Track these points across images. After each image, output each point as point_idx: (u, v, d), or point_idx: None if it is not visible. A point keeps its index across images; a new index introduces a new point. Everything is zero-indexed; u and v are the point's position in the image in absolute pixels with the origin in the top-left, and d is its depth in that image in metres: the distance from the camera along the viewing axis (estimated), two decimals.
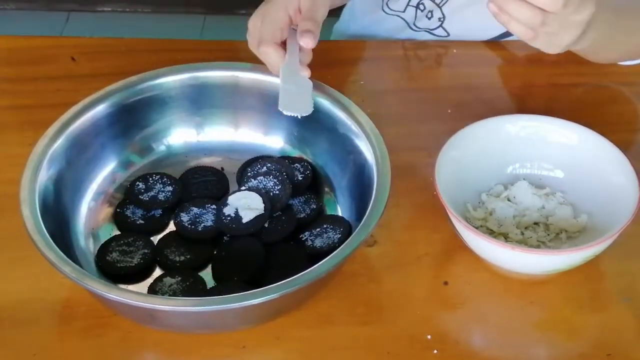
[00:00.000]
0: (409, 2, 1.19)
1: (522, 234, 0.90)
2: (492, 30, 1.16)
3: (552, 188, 0.94)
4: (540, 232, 0.90)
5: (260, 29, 0.93)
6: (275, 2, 0.94)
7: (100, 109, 0.92)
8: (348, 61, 1.16)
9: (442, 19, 1.18)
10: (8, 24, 2.48)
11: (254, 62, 0.96)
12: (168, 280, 0.84)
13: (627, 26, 0.99)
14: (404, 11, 1.20)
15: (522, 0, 0.83)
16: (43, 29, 2.44)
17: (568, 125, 0.94)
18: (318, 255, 0.81)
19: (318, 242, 0.87)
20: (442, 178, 0.86)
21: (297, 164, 0.94)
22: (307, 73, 0.93)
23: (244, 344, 0.82)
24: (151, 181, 0.93)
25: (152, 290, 0.84)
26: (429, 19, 1.19)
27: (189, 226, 0.89)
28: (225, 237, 0.88)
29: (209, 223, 0.89)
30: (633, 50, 1.08)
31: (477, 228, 0.86)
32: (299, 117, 0.90)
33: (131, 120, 0.95)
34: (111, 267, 0.86)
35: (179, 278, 0.85)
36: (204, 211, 0.90)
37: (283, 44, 0.93)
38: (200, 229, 0.89)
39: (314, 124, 0.94)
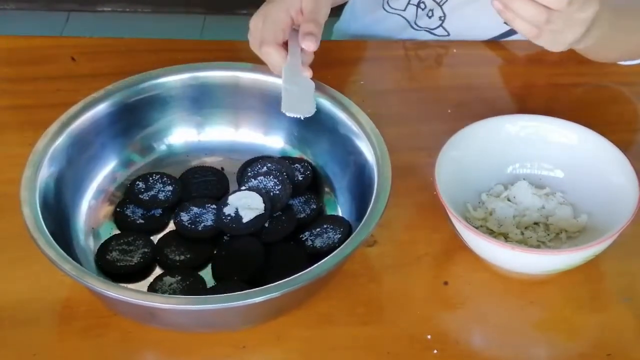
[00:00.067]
0: (409, 1, 1.19)
1: (522, 234, 0.90)
2: (493, 29, 1.16)
3: (552, 188, 0.94)
4: (540, 232, 0.90)
5: (261, 29, 0.93)
6: (277, 3, 0.94)
7: (101, 108, 0.92)
8: (348, 61, 1.17)
9: (442, 18, 1.18)
10: (8, 24, 2.48)
11: (255, 62, 0.96)
12: (168, 279, 0.84)
13: (628, 26, 1.00)
14: (404, 10, 1.20)
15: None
16: (43, 29, 2.44)
17: (568, 125, 0.94)
18: (318, 255, 0.81)
19: (318, 242, 0.87)
20: (442, 178, 0.86)
21: (297, 164, 0.94)
22: (309, 74, 0.93)
23: (244, 344, 0.82)
24: (151, 181, 0.93)
25: (152, 289, 0.84)
26: (430, 17, 1.19)
27: (189, 226, 0.89)
28: (225, 237, 0.88)
29: (209, 223, 0.89)
30: (633, 50, 1.08)
31: (477, 228, 0.86)
32: (302, 119, 0.90)
33: (132, 119, 0.95)
34: (111, 266, 0.86)
35: (179, 277, 0.85)
36: (204, 211, 0.90)
37: (285, 45, 0.93)
38: (200, 229, 0.89)
39: (314, 124, 0.94)
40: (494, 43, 1.17)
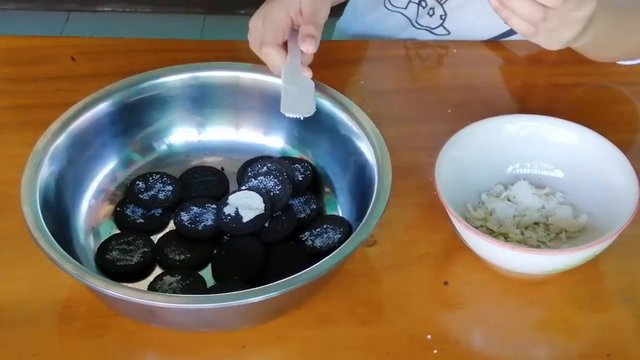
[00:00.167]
0: None
1: (522, 234, 0.90)
2: (493, 29, 1.16)
3: (552, 188, 0.94)
4: (540, 232, 0.90)
5: (261, 30, 0.93)
6: (277, 3, 0.94)
7: (102, 107, 0.92)
8: (349, 61, 1.17)
9: (443, 17, 1.18)
10: (8, 24, 2.48)
11: (255, 62, 0.96)
12: (168, 279, 0.84)
13: (628, 24, 1.00)
14: (405, 8, 1.20)
15: None
16: (43, 29, 2.44)
17: (568, 125, 0.94)
18: (318, 255, 0.81)
19: (318, 242, 0.87)
20: (442, 178, 0.86)
21: (297, 164, 0.94)
22: (308, 74, 0.93)
23: (244, 344, 0.82)
24: (151, 180, 0.93)
25: (152, 288, 0.84)
26: (431, 16, 1.19)
27: (189, 225, 0.89)
28: (225, 237, 0.89)
29: (209, 222, 0.89)
30: (633, 49, 1.08)
31: (477, 228, 0.86)
32: (301, 119, 0.90)
33: (132, 119, 0.95)
34: (111, 265, 0.86)
35: (179, 277, 0.85)
36: (204, 210, 0.90)
37: (284, 45, 0.93)
38: (200, 228, 0.89)
39: (314, 125, 0.94)
40: (494, 43, 1.17)
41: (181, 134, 0.98)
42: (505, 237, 0.90)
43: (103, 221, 0.91)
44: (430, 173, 0.87)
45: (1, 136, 1.04)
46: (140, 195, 0.91)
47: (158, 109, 0.96)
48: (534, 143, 0.95)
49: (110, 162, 0.94)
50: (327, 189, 0.95)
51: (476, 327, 0.86)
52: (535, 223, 0.91)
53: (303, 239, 0.88)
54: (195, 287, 0.84)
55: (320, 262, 0.77)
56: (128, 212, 0.91)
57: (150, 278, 0.86)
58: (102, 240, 0.89)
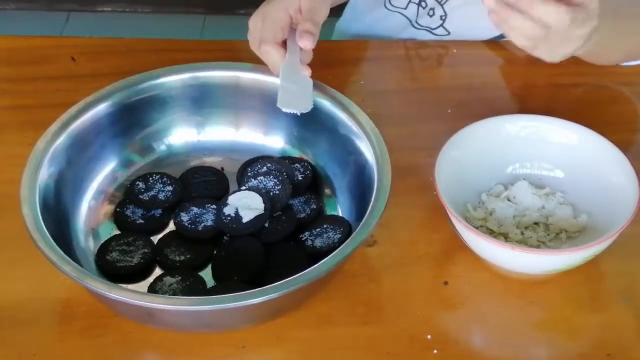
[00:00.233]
0: None
1: (522, 234, 0.90)
2: (493, 29, 1.16)
3: (552, 188, 0.94)
4: (540, 232, 0.90)
5: (261, 29, 0.93)
6: (276, 2, 0.94)
7: (101, 108, 0.92)
8: (348, 61, 1.17)
9: (443, 17, 1.18)
10: (8, 24, 2.48)
11: (255, 62, 0.96)
12: (168, 279, 0.84)
13: (629, 28, 0.99)
14: (405, 8, 1.20)
15: (526, 15, 0.83)
16: (43, 29, 2.44)
17: (568, 125, 0.94)
18: (318, 255, 0.81)
19: (318, 242, 0.87)
20: (442, 178, 0.86)
21: (297, 164, 0.94)
22: (307, 72, 0.93)
23: (243, 344, 0.82)
24: (151, 181, 0.93)
25: (152, 289, 0.84)
26: (431, 16, 1.19)
27: (189, 226, 0.89)
28: (225, 237, 0.88)
29: (209, 223, 0.89)
30: (634, 51, 1.08)
31: (477, 228, 0.86)
32: (299, 114, 0.90)
33: (132, 119, 0.95)
34: (111, 266, 0.86)
35: (179, 278, 0.85)
36: (204, 211, 0.90)
37: (284, 44, 0.93)
38: (200, 229, 0.89)
39: (314, 124, 0.94)
40: (494, 43, 1.17)
41: (181, 134, 0.98)
42: (505, 237, 0.90)
43: (103, 222, 0.91)
44: (430, 173, 0.87)
45: (1, 136, 1.04)
46: (140, 196, 0.91)
47: (158, 110, 0.96)
48: (534, 143, 0.95)
49: (109, 163, 0.94)
50: (327, 189, 0.95)
51: (476, 327, 0.86)
52: (535, 223, 0.91)
53: (303, 239, 0.88)
54: (196, 288, 0.84)
55: (320, 262, 0.77)
56: (128, 212, 0.91)
57: (151, 279, 0.85)
58: (102, 241, 0.89)
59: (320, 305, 0.85)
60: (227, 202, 0.89)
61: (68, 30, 2.49)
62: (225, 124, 0.99)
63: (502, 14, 0.85)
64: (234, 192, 0.90)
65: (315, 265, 0.77)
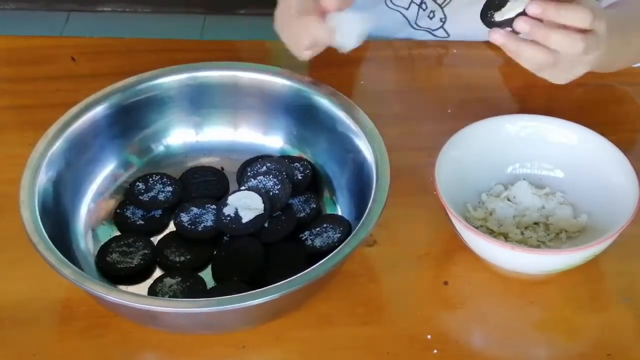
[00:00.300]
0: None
1: (522, 234, 0.90)
2: None
3: (552, 188, 0.94)
4: (540, 232, 0.90)
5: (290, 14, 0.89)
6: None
7: (99, 110, 0.92)
8: (348, 61, 1.16)
9: (443, 19, 1.18)
10: (8, 24, 2.48)
11: (254, 62, 0.96)
12: (168, 280, 0.84)
13: (634, 36, 0.99)
14: (407, 8, 1.20)
15: (537, 44, 0.84)
16: (43, 29, 2.44)
17: (568, 125, 0.94)
18: (318, 254, 0.81)
19: (318, 242, 0.87)
20: (442, 178, 0.86)
21: (296, 164, 0.94)
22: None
23: (244, 344, 0.82)
24: (151, 181, 0.93)
25: (152, 291, 0.84)
26: (431, 19, 1.19)
27: (189, 226, 0.89)
28: (225, 237, 0.88)
29: (209, 223, 0.89)
30: (638, 57, 1.08)
31: (477, 228, 0.86)
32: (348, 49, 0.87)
33: (130, 121, 0.95)
34: (111, 268, 0.86)
35: (179, 279, 0.84)
36: (204, 211, 0.90)
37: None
38: (200, 229, 0.89)
39: (313, 124, 0.94)
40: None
41: (179, 135, 0.98)
42: (505, 237, 0.90)
43: (103, 223, 0.91)
44: (430, 173, 0.87)
45: (1, 136, 1.04)
46: (140, 197, 0.91)
47: (156, 110, 0.96)
48: (534, 143, 0.95)
49: (108, 165, 0.94)
50: (326, 188, 0.95)
51: (476, 327, 0.86)
52: (535, 223, 0.91)
53: (303, 239, 0.88)
54: (196, 288, 0.84)
55: (319, 263, 0.77)
56: (128, 213, 0.91)
57: (151, 280, 0.85)
58: (102, 243, 0.88)
59: (320, 305, 0.85)
60: (227, 202, 0.89)
61: (68, 30, 2.48)
62: (224, 123, 0.99)
63: (512, 47, 0.85)
64: (234, 192, 0.90)
65: (315, 266, 0.77)
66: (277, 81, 0.93)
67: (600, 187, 0.90)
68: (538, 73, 0.88)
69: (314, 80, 0.93)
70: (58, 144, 0.88)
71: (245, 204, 0.88)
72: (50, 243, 0.78)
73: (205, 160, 0.98)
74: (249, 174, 0.92)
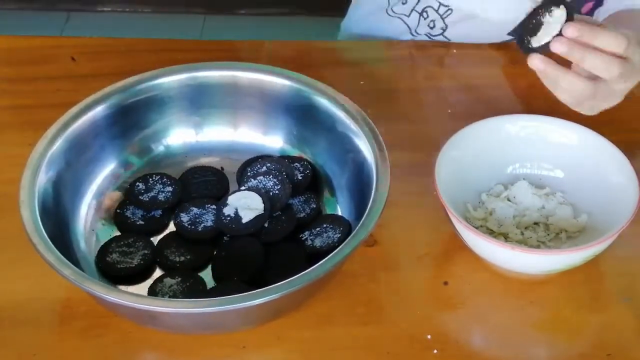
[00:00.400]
0: (414, 7, 1.19)
1: (522, 234, 0.90)
2: (494, 40, 1.16)
3: (552, 188, 0.94)
4: (540, 232, 0.90)
5: None
6: None
7: (99, 110, 0.92)
8: (349, 61, 1.17)
9: (444, 29, 1.19)
10: (8, 24, 2.48)
11: (254, 62, 0.96)
12: (168, 281, 0.84)
13: None
14: (408, 16, 1.20)
15: (577, 73, 0.84)
16: (43, 29, 2.44)
17: (568, 125, 0.94)
18: (318, 254, 0.81)
19: (318, 242, 0.87)
20: (442, 178, 0.86)
21: (296, 164, 0.94)
22: None
23: (244, 344, 0.82)
24: (151, 181, 0.93)
25: (152, 291, 0.84)
26: (431, 28, 1.19)
27: (189, 226, 0.89)
28: (225, 237, 0.88)
29: (209, 223, 0.89)
30: None
31: (477, 228, 0.86)
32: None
33: (130, 121, 0.95)
34: (111, 268, 0.86)
35: (179, 279, 0.84)
36: (204, 211, 0.90)
37: None
38: (200, 229, 0.89)
39: (313, 124, 0.94)
40: (494, 43, 1.17)
41: (179, 135, 0.98)
42: (505, 237, 0.90)
43: (103, 223, 0.91)
44: (430, 173, 0.87)
45: (1, 136, 1.04)
46: (140, 197, 0.91)
47: (156, 110, 0.96)
48: (534, 143, 0.95)
49: (108, 165, 0.94)
50: (326, 188, 0.95)
51: (476, 327, 0.86)
52: (535, 223, 0.91)
53: (303, 239, 0.88)
54: (196, 288, 0.84)
55: (319, 263, 0.77)
56: (128, 214, 0.91)
57: (151, 280, 0.85)
58: (102, 243, 0.88)
59: (320, 305, 0.85)
60: (227, 202, 0.89)
61: (68, 30, 2.48)
62: (224, 123, 0.99)
63: (552, 75, 0.85)
64: (234, 192, 0.90)
65: (315, 266, 0.77)
66: (277, 81, 0.93)
67: (600, 187, 0.90)
68: (574, 107, 0.88)
69: (314, 80, 0.93)
70: (58, 144, 0.88)
71: (245, 204, 0.88)
72: (50, 243, 0.78)
73: (205, 160, 0.98)
74: (249, 174, 0.92)
